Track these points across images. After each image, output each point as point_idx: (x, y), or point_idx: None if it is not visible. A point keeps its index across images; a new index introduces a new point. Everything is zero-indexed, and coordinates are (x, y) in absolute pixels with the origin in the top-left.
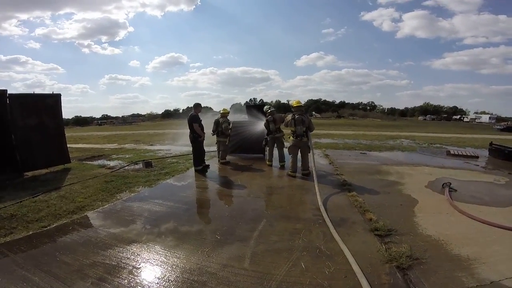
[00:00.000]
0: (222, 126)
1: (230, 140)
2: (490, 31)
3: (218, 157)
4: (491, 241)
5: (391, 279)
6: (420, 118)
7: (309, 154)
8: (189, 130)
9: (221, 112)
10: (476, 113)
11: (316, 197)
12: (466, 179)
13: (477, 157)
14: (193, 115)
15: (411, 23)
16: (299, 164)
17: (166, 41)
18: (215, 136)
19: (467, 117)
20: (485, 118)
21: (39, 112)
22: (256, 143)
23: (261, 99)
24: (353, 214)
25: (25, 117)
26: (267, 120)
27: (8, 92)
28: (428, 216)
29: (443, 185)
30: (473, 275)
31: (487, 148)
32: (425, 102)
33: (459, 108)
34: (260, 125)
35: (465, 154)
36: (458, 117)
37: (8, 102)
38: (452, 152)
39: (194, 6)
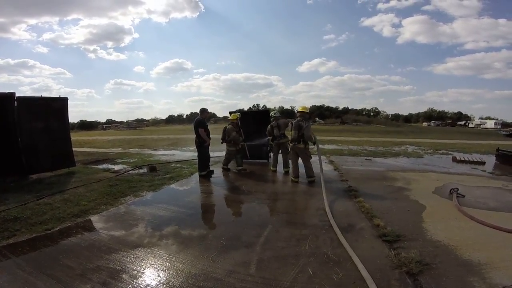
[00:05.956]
0: (230, 135)
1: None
2: (491, 35)
3: (223, 163)
4: (502, 246)
5: (401, 284)
6: (425, 124)
7: (311, 160)
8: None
9: (230, 118)
10: (481, 118)
11: (322, 202)
12: (473, 184)
13: (484, 163)
14: (199, 120)
15: (411, 28)
16: (302, 170)
17: (170, 47)
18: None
19: (472, 123)
20: (490, 124)
21: (46, 115)
22: (259, 149)
23: (264, 105)
24: (360, 220)
25: (32, 120)
26: (271, 126)
27: (16, 95)
28: (437, 221)
29: (450, 190)
30: (484, 279)
31: (494, 154)
32: (429, 108)
33: (463, 113)
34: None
35: (472, 160)
36: (463, 123)
37: (16, 105)
38: (458, 158)
39: (198, 13)
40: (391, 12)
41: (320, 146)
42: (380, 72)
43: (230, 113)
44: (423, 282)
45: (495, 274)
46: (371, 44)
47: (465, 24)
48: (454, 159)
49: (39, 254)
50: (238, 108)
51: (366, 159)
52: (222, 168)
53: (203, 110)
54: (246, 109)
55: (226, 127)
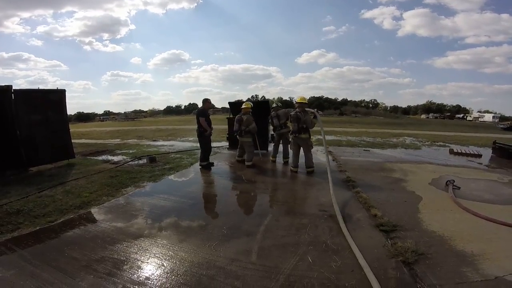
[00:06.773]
0: (249, 126)
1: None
2: (492, 30)
3: (237, 157)
4: (495, 237)
5: (398, 273)
6: (423, 116)
7: (312, 150)
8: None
9: (243, 107)
10: (479, 112)
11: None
12: (469, 177)
13: (481, 155)
14: (201, 110)
15: (413, 22)
16: (302, 160)
17: (168, 38)
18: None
19: (470, 116)
20: (488, 117)
21: (44, 107)
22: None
23: (263, 96)
24: (358, 210)
25: (30, 112)
26: (270, 116)
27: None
28: (432, 212)
29: (446, 182)
30: (477, 270)
31: (491, 147)
32: (428, 101)
33: (462, 106)
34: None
35: (469, 152)
36: (461, 115)
37: (13, 97)
38: (455, 150)
39: (196, 4)
40: (392, 4)
41: (319, 136)
42: (379, 65)
43: (230, 103)
44: (419, 271)
45: (488, 265)
46: (371, 37)
47: (467, 18)
48: (451, 152)
49: (43, 247)
50: (237, 99)
51: (364, 150)
52: (247, 166)
53: (205, 100)
54: (244, 100)
55: (240, 117)
